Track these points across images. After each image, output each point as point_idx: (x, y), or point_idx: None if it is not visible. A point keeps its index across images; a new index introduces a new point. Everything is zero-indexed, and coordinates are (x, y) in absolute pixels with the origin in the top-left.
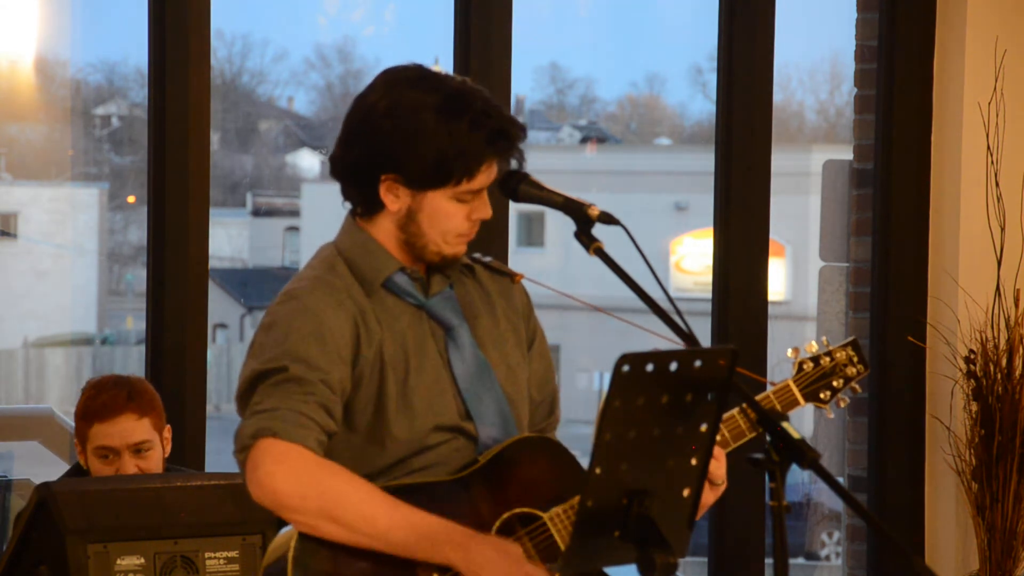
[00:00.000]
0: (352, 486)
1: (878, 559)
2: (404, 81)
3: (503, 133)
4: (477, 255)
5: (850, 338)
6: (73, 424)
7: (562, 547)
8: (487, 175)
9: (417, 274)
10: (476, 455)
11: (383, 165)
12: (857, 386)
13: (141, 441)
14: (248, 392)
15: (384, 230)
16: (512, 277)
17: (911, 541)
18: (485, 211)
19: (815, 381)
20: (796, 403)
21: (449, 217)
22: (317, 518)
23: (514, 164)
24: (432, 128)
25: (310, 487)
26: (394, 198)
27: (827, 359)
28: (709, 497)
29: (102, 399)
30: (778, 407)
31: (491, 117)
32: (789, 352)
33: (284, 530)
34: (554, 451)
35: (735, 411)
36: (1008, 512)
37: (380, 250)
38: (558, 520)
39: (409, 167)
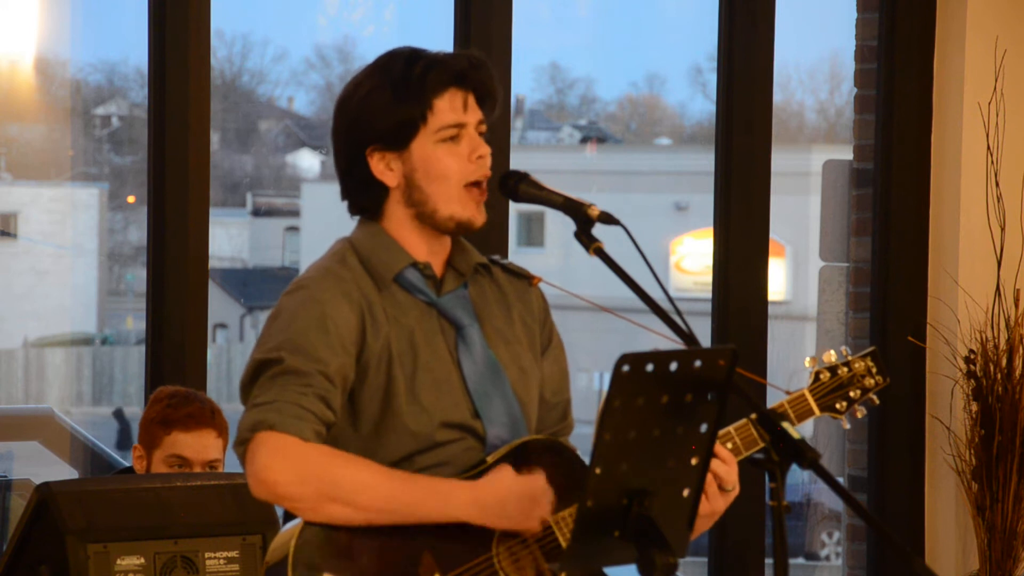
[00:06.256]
0: (348, 463)
1: (878, 559)
2: (358, 72)
3: (439, 60)
4: (496, 257)
5: (870, 348)
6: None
7: None
8: (450, 104)
9: (430, 270)
10: (484, 456)
11: (361, 142)
12: (875, 397)
13: (215, 459)
14: (250, 382)
15: (397, 218)
16: (530, 280)
17: (911, 541)
18: (479, 147)
19: (831, 391)
20: (811, 412)
21: (440, 161)
22: (318, 501)
23: (485, 97)
24: (378, 86)
25: (307, 472)
26: (388, 171)
27: (844, 369)
28: (720, 503)
29: (188, 410)
30: (792, 417)
31: (427, 53)
32: (807, 361)
33: (285, 528)
34: (561, 454)
35: (747, 420)
36: (1008, 512)
37: (393, 245)
38: (563, 524)
39: (380, 129)
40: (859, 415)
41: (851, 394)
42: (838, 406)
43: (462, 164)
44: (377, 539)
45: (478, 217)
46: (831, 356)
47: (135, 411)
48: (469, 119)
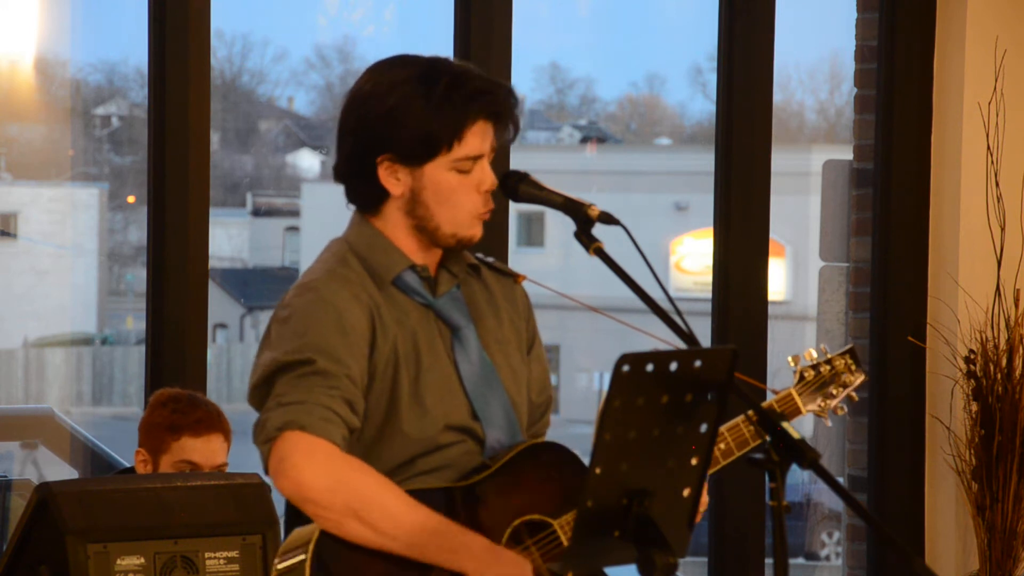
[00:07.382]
0: (379, 485)
1: (878, 559)
2: (384, 65)
3: (484, 91)
4: (480, 255)
5: (848, 346)
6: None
7: None
8: (480, 138)
9: (426, 272)
10: (484, 459)
11: (376, 147)
12: (854, 394)
13: (223, 464)
14: (267, 383)
15: (393, 221)
16: (515, 278)
17: (911, 541)
18: (487, 180)
19: (816, 389)
20: (798, 411)
21: (453, 190)
22: (342, 515)
23: (510, 128)
24: (412, 98)
25: (338, 483)
26: (394, 181)
27: (826, 367)
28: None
29: (196, 415)
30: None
31: (471, 79)
32: (789, 360)
33: (298, 529)
34: (564, 457)
35: (739, 419)
36: (1008, 512)
37: (390, 246)
38: (568, 527)
39: (399, 143)
40: (840, 412)
41: (833, 391)
42: (821, 404)
43: (472, 197)
44: None
45: (479, 233)
46: (812, 354)
47: (135, 411)
48: (487, 151)
